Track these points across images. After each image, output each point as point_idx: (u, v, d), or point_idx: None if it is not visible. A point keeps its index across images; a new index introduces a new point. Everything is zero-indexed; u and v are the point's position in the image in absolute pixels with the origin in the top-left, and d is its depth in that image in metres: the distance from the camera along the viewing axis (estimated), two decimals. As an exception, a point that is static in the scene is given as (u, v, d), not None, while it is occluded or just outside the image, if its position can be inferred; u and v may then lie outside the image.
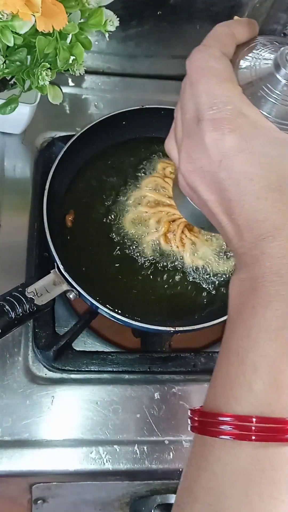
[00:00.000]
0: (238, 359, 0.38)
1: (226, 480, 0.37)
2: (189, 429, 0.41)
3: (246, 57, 0.44)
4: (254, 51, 0.44)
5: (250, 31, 0.45)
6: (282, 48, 0.42)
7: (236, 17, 0.47)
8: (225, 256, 0.74)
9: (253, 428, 0.36)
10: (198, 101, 0.41)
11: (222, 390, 0.38)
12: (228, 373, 0.38)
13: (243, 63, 0.43)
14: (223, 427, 0.37)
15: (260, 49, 0.44)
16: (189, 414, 0.41)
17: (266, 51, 0.44)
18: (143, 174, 0.79)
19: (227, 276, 0.74)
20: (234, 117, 0.39)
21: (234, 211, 0.40)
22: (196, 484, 0.38)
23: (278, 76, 0.42)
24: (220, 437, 0.37)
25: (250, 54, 0.44)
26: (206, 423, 0.38)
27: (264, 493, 0.36)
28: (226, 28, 0.44)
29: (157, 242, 0.73)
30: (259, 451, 0.36)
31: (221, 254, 0.74)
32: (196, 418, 0.40)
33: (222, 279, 0.74)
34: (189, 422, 0.41)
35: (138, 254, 0.73)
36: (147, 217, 0.74)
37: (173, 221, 0.74)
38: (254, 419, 0.36)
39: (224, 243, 0.75)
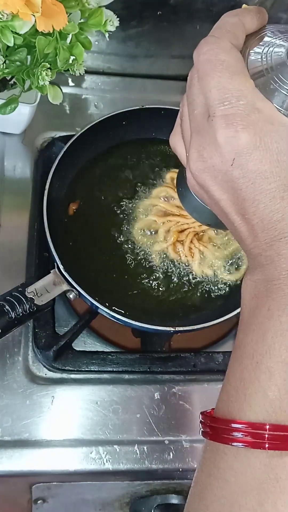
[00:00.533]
0: (253, 364, 0.37)
1: (239, 489, 0.36)
2: (200, 434, 0.40)
3: (256, 47, 0.42)
4: (264, 40, 0.42)
5: (259, 20, 0.43)
6: None
7: (244, 5, 0.45)
8: (234, 266, 0.74)
9: (267, 436, 0.35)
10: (208, 96, 0.39)
11: (236, 396, 0.37)
12: (242, 378, 0.37)
13: (253, 54, 0.41)
14: (235, 434, 0.36)
15: (270, 38, 0.42)
16: (200, 418, 0.40)
17: (277, 40, 0.42)
18: (144, 176, 0.79)
19: (230, 281, 0.74)
20: (247, 113, 0.37)
21: (248, 211, 0.38)
22: (207, 491, 0.38)
23: None
24: (232, 444, 0.36)
25: (260, 44, 0.42)
26: (218, 429, 0.37)
27: (278, 503, 0.35)
28: (235, 18, 0.42)
29: (165, 251, 0.73)
30: (273, 460, 0.35)
31: (230, 263, 0.74)
32: (208, 423, 0.39)
33: (223, 282, 0.74)
34: (201, 427, 0.40)
35: (140, 257, 0.73)
36: (156, 227, 0.74)
37: (182, 231, 0.74)
38: (268, 427, 0.35)
39: (233, 253, 0.75)
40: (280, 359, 0.36)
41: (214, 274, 0.73)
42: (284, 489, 0.35)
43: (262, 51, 0.41)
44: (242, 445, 0.35)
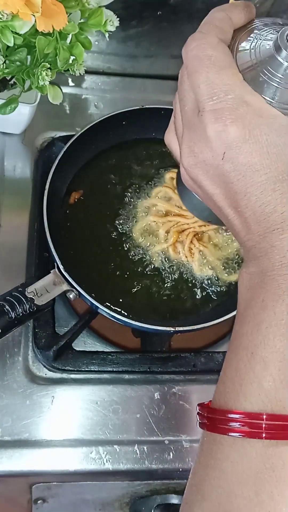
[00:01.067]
0: (248, 354, 0.37)
1: (235, 478, 0.36)
2: (197, 425, 0.40)
3: (244, 41, 0.42)
4: (252, 34, 0.42)
5: (247, 14, 0.43)
6: (283, 29, 0.40)
7: (231, 1, 0.45)
8: (234, 267, 0.74)
9: (264, 425, 0.35)
10: (197, 91, 0.39)
11: (232, 386, 0.37)
12: (238, 369, 0.37)
13: (241, 48, 0.41)
14: (232, 424, 0.36)
15: (258, 32, 0.42)
16: (197, 410, 0.40)
17: (265, 33, 0.42)
18: (144, 176, 0.79)
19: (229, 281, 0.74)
20: (236, 107, 0.38)
21: (240, 204, 0.39)
22: (205, 482, 0.38)
23: (279, 58, 0.40)
24: (230, 434, 0.36)
25: (248, 38, 0.42)
26: (215, 420, 0.38)
27: (275, 492, 0.35)
28: (222, 13, 0.42)
29: (165, 251, 0.73)
30: (269, 449, 0.35)
31: (229, 263, 0.74)
32: (205, 415, 0.39)
33: (223, 282, 0.74)
34: (198, 419, 0.40)
35: (140, 257, 0.73)
36: (156, 227, 0.74)
37: (182, 231, 0.74)
38: (264, 416, 0.35)
39: (233, 252, 0.75)
40: (275, 349, 0.36)
41: (214, 274, 0.73)
42: (280, 479, 0.35)
43: (251, 45, 0.41)
44: (239, 435, 0.36)
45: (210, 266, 0.74)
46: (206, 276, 0.73)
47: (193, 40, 0.40)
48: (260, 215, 0.38)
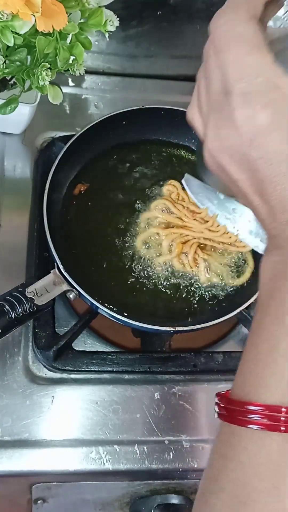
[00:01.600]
0: (270, 346, 0.36)
1: (253, 471, 0.36)
2: (215, 416, 0.39)
3: (275, 15, 0.39)
4: (283, 9, 0.39)
5: None
6: None
7: None
8: (239, 271, 0.74)
9: (283, 418, 0.34)
10: (225, 71, 0.37)
11: (252, 378, 0.37)
12: (258, 360, 0.37)
13: (272, 23, 0.39)
14: (251, 416, 0.36)
15: None
16: (215, 400, 0.40)
17: None
18: (145, 176, 0.79)
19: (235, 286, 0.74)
20: (266, 91, 0.36)
21: (266, 192, 0.37)
22: (222, 473, 0.37)
23: None
24: (248, 426, 0.36)
25: (280, 12, 0.39)
26: (234, 411, 0.37)
27: None
28: None
29: (169, 263, 0.73)
30: None
31: (234, 267, 0.75)
32: (223, 405, 0.38)
33: (224, 283, 0.74)
34: (216, 409, 0.40)
35: (140, 257, 0.73)
36: (159, 240, 0.73)
37: (185, 242, 0.74)
38: (284, 409, 0.34)
39: (236, 258, 0.75)
40: None
41: (220, 280, 0.73)
42: None
43: (282, 19, 0.39)
44: (257, 427, 0.35)
45: (216, 273, 0.73)
46: (212, 282, 0.73)
47: (222, 14, 0.38)
48: (287, 204, 0.37)
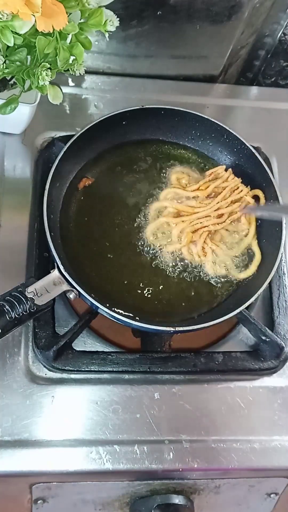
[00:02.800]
0: None
1: None
2: None
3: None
4: None
5: None
6: None
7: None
8: (245, 264, 0.75)
9: None
10: None
11: None
12: None
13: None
14: None
15: None
16: None
17: None
18: (146, 176, 0.79)
19: (230, 277, 0.74)
20: None
21: None
22: None
23: None
24: None
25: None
26: None
27: None
28: None
29: (178, 252, 0.73)
30: None
31: (240, 261, 0.75)
32: None
33: (223, 280, 0.74)
34: None
35: (141, 257, 0.73)
36: (169, 229, 0.74)
37: (195, 231, 0.74)
38: None
39: (243, 251, 0.75)
40: None
41: (226, 272, 0.74)
42: None
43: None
44: None
45: (223, 264, 0.74)
46: (218, 275, 0.73)
47: None
48: None
